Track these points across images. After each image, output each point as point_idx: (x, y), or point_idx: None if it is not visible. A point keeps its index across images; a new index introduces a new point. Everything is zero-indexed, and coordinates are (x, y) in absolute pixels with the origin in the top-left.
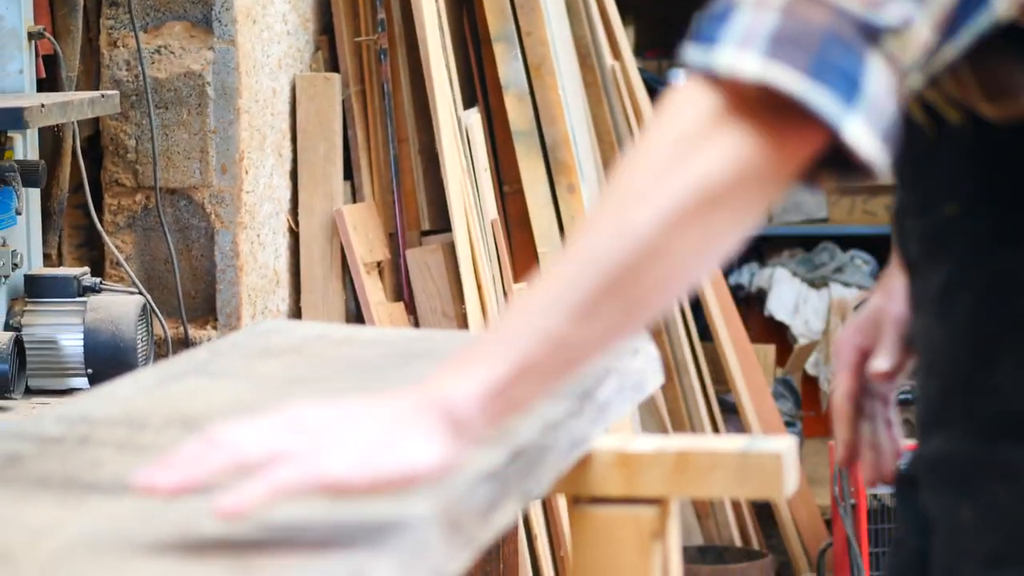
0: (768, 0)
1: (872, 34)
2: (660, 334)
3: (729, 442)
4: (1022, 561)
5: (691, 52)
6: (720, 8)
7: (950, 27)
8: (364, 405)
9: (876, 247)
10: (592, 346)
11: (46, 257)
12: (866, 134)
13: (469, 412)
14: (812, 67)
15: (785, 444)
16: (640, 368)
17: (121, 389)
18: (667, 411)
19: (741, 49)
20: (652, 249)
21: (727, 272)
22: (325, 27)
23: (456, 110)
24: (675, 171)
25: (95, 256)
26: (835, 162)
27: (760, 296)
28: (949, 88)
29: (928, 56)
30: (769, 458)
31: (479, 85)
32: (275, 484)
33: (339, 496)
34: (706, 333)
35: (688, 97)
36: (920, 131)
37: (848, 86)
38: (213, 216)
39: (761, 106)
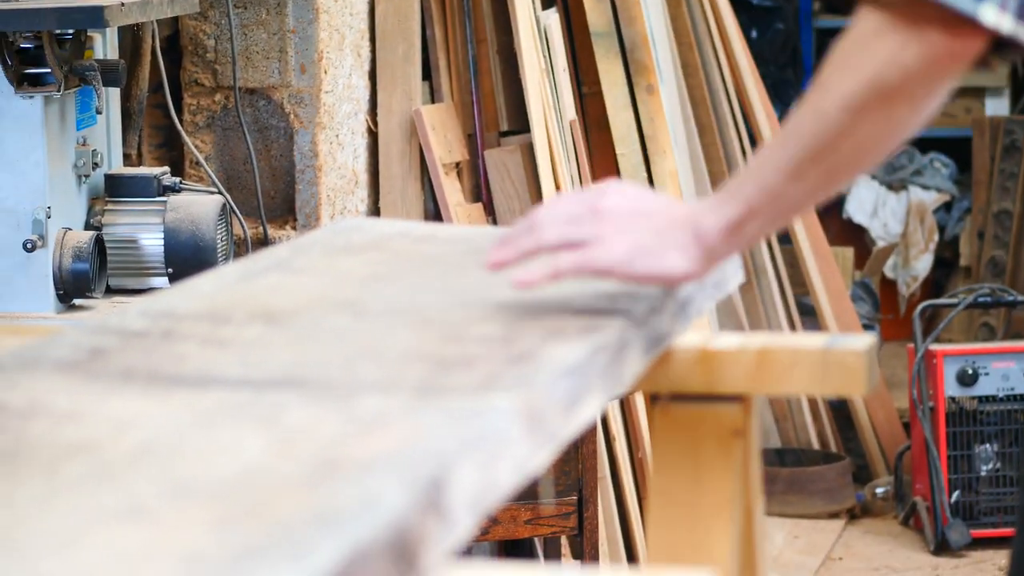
0: None
1: None
2: None
3: (810, 339)
4: None
5: None
6: None
7: None
8: (653, 203)
9: (955, 150)
10: (800, 200)
11: (126, 157)
12: (1000, 16)
13: (713, 240)
14: None
15: (865, 341)
16: (721, 265)
17: (204, 285)
18: (745, 314)
19: None
20: (840, 129)
21: None
22: None
23: (535, 10)
24: (853, 69)
25: (174, 156)
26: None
27: (839, 199)
28: None
29: None
30: (850, 355)
31: None
32: (555, 267)
33: (602, 278)
34: (784, 236)
35: (865, 15)
36: None
37: None
38: (292, 116)
39: (914, 16)
